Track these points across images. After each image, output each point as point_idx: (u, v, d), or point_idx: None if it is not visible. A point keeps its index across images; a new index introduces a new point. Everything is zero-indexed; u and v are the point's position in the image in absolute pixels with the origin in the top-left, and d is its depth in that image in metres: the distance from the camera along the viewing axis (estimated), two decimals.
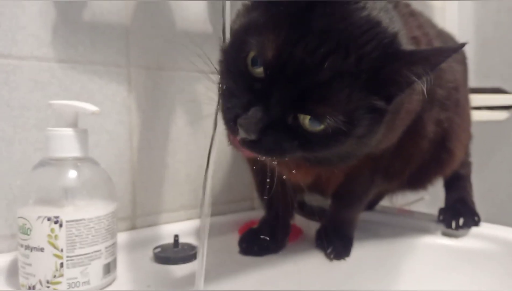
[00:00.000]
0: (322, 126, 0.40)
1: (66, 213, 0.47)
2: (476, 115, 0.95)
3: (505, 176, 1.23)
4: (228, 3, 0.43)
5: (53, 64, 0.58)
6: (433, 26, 0.69)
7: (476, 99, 0.94)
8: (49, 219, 0.46)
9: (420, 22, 0.61)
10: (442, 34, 0.71)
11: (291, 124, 0.40)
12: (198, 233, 0.66)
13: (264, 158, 0.44)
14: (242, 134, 0.40)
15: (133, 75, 0.65)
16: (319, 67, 0.38)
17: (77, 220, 0.47)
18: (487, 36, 1.21)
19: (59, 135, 0.48)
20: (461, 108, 0.69)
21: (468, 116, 0.75)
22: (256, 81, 0.40)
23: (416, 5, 0.64)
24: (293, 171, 0.51)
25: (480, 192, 0.87)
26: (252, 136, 0.39)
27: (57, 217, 0.46)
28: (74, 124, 0.50)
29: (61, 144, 0.48)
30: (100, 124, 0.62)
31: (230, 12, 0.44)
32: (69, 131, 0.48)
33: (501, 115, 1.02)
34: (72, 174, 0.49)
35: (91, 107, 0.48)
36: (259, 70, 0.40)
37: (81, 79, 0.60)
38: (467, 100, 0.75)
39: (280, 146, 0.41)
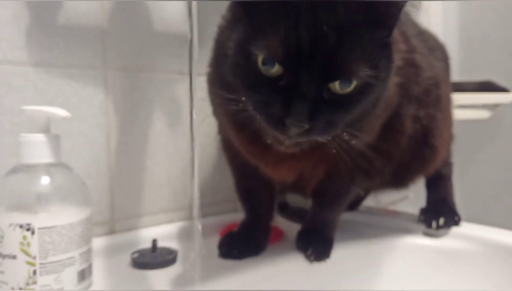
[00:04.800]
0: (353, 84, 0.42)
1: (39, 220, 0.46)
2: (459, 114, 0.96)
3: (488, 175, 1.24)
4: (194, 4, 0.43)
5: (28, 68, 0.58)
6: (413, 25, 0.69)
7: (460, 98, 0.95)
8: (21, 226, 0.45)
9: None
10: (423, 34, 0.71)
11: (328, 99, 0.42)
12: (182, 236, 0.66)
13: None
14: (294, 131, 0.41)
15: (110, 78, 0.64)
16: (330, 37, 0.40)
17: (49, 227, 0.46)
18: (472, 35, 1.22)
19: (31, 141, 0.48)
20: (443, 105, 0.69)
21: (450, 115, 0.75)
22: (275, 81, 0.42)
23: None
24: (277, 167, 0.55)
25: (463, 191, 0.88)
26: (306, 126, 0.41)
27: (29, 224, 0.45)
28: (46, 130, 0.49)
29: (33, 150, 0.48)
30: (76, 128, 0.61)
31: (197, 13, 0.43)
32: (41, 137, 0.48)
33: (484, 114, 1.02)
34: (45, 180, 0.48)
35: (62, 112, 0.48)
36: (274, 70, 0.42)
37: (56, 83, 0.60)
38: (448, 98, 0.75)
39: (331, 121, 0.43)
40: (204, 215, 0.75)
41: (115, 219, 0.66)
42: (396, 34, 0.59)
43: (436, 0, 1.18)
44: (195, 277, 0.49)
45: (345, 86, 0.42)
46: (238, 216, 0.74)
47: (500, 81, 1.02)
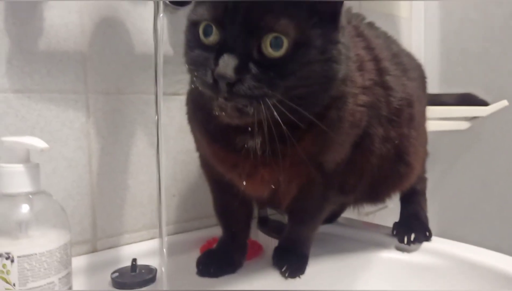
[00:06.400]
0: (285, 45, 0.44)
1: (18, 248, 0.48)
2: (437, 125, 0.99)
3: (463, 186, 1.26)
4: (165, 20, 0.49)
5: (9, 94, 0.59)
6: (389, 47, 0.70)
7: (439, 111, 0.97)
8: (0, 256, 0.47)
9: (369, 44, 0.63)
10: (399, 55, 0.72)
11: (259, 59, 0.45)
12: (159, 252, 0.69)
13: (250, 109, 0.46)
14: (223, 85, 0.43)
15: (91, 101, 0.66)
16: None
17: (28, 255, 0.48)
18: (452, 47, 1.24)
19: (10, 172, 0.49)
20: (417, 123, 0.71)
21: (424, 132, 0.77)
22: (213, 46, 0.46)
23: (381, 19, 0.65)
24: (251, 179, 0.57)
25: (439, 202, 0.90)
26: (232, 76, 0.43)
27: (8, 253, 0.47)
28: (26, 159, 0.51)
29: (12, 180, 0.49)
30: (58, 151, 0.63)
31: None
32: (20, 167, 0.49)
33: (463, 125, 1.05)
34: (25, 208, 0.50)
35: (40, 144, 0.49)
36: (212, 38, 0.46)
37: (37, 108, 0.62)
38: (423, 116, 0.77)
39: (259, 81, 0.44)
40: (185, 230, 0.78)
41: (97, 237, 0.68)
42: (365, 54, 0.61)
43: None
44: None
45: (276, 47, 0.44)
46: (218, 230, 0.77)
47: (479, 92, 1.05)
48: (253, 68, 0.44)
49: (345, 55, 0.50)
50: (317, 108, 0.51)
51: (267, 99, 0.45)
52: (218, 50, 0.45)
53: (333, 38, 0.48)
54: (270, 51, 0.45)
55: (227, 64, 0.43)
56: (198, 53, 0.47)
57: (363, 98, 0.57)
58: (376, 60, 0.63)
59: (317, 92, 0.49)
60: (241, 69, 0.44)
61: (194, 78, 0.48)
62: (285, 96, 0.46)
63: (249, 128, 0.51)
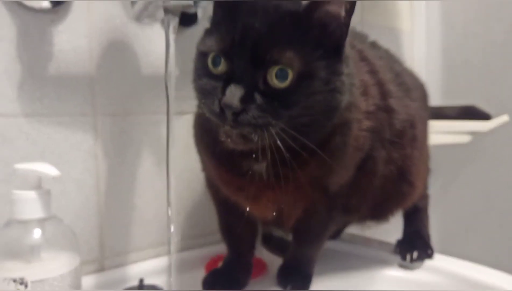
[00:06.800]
0: (289, 76, 0.46)
1: (31, 273, 0.49)
2: (438, 139, 0.99)
3: (465, 200, 1.27)
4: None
5: (20, 119, 0.61)
6: (392, 68, 0.71)
7: (440, 125, 0.98)
8: (14, 281, 0.49)
9: (372, 68, 0.65)
10: (402, 75, 0.73)
11: (264, 90, 0.46)
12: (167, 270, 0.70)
13: (255, 137, 0.48)
14: (229, 114, 0.45)
15: (99, 123, 0.68)
16: (259, 29, 0.46)
17: (42, 280, 0.49)
18: (454, 60, 1.25)
19: (23, 198, 0.51)
20: (419, 143, 0.72)
21: (426, 151, 0.79)
22: (221, 76, 0.47)
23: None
24: (257, 201, 0.58)
25: (441, 217, 0.91)
26: (237, 106, 0.45)
27: (22, 278, 0.49)
28: (38, 186, 0.52)
29: (25, 207, 0.51)
30: (67, 173, 0.65)
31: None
32: (32, 194, 0.51)
33: (464, 138, 1.05)
34: (37, 233, 0.51)
35: (52, 171, 0.51)
36: (220, 67, 0.48)
37: (47, 131, 0.63)
38: (425, 135, 0.78)
39: (263, 111, 0.46)
40: (190, 247, 0.79)
41: (105, 256, 0.69)
42: (369, 78, 0.63)
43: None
44: None
45: (282, 78, 0.46)
46: (224, 247, 0.78)
47: (480, 104, 1.05)
48: (258, 98, 0.46)
49: (349, 84, 0.51)
50: (320, 135, 0.52)
51: (270, 128, 0.46)
52: (226, 80, 0.47)
53: (337, 70, 0.49)
54: (276, 83, 0.46)
55: (234, 94, 0.45)
56: (206, 81, 0.49)
57: (367, 123, 0.59)
58: (380, 84, 0.64)
59: (320, 120, 0.50)
60: (246, 99, 0.45)
61: (202, 106, 0.49)
62: (288, 125, 0.47)
63: (253, 154, 0.52)
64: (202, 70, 0.50)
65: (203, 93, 0.49)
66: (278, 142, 0.47)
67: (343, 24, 0.48)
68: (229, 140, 0.49)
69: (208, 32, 0.51)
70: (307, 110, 0.48)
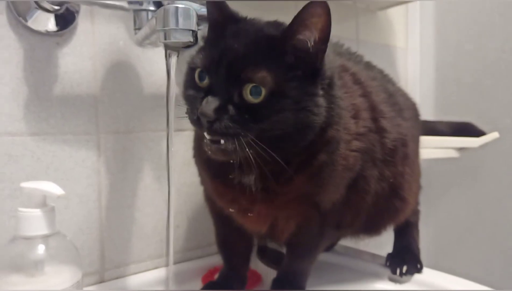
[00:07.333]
0: (263, 93, 0.50)
1: (35, 287, 0.52)
2: (428, 153, 1.02)
3: (456, 215, 1.29)
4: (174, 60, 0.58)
5: (26, 137, 0.64)
6: (385, 89, 0.74)
7: (431, 141, 1.01)
8: None
9: (365, 91, 0.67)
10: (394, 95, 0.75)
11: (238, 103, 0.50)
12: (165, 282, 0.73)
13: (228, 146, 0.51)
14: (204, 122, 0.50)
15: (102, 141, 0.71)
16: (236, 50, 0.51)
17: None
18: (447, 76, 1.28)
19: (28, 216, 0.53)
20: (411, 161, 0.75)
21: (418, 168, 0.81)
22: (203, 89, 0.53)
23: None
24: (249, 214, 0.61)
25: (431, 231, 0.93)
26: (211, 115, 0.49)
27: None
28: (43, 204, 0.55)
29: (30, 224, 0.53)
30: (70, 188, 0.68)
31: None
32: (37, 212, 0.54)
33: (453, 153, 1.08)
34: (41, 248, 0.54)
35: (56, 191, 0.53)
36: (205, 82, 0.53)
37: (52, 149, 0.66)
38: (416, 153, 0.81)
39: (236, 122, 0.50)
40: (187, 258, 0.82)
41: (105, 268, 0.72)
42: (362, 102, 0.65)
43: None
44: None
45: (256, 94, 0.50)
46: (220, 258, 0.80)
47: (472, 121, 1.08)
48: (231, 110, 0.50)
49: (327, 106, 0.54)
50: (296, 151, 0.55)
51: (241, 138, 0.50)
52: (206, 92, 0.52)
53: (309, 91, 0.52)
54: (250, 98, 0.50)
55: (209, 105, 0.50)
56: (191, 93, 0.54)
57: (356, 144, 0.61)
58: (372, 107, 0.66)
59: (292, 136, 0.53)
60: (220, 110, 0.50)
61: (186, 114, 0.54)
62: (260, 137, 0.51)
63: (237, 165, 0.55)
64: (190, 83, 0.55)
65: (188, 103, 0.55)
66: (251, 152, 0.51)
67: (319, 50, 0.51)
68: (209, 151, 0.53)
69: (199, 50, 0.56)
70: (277, 124, 0.51)
